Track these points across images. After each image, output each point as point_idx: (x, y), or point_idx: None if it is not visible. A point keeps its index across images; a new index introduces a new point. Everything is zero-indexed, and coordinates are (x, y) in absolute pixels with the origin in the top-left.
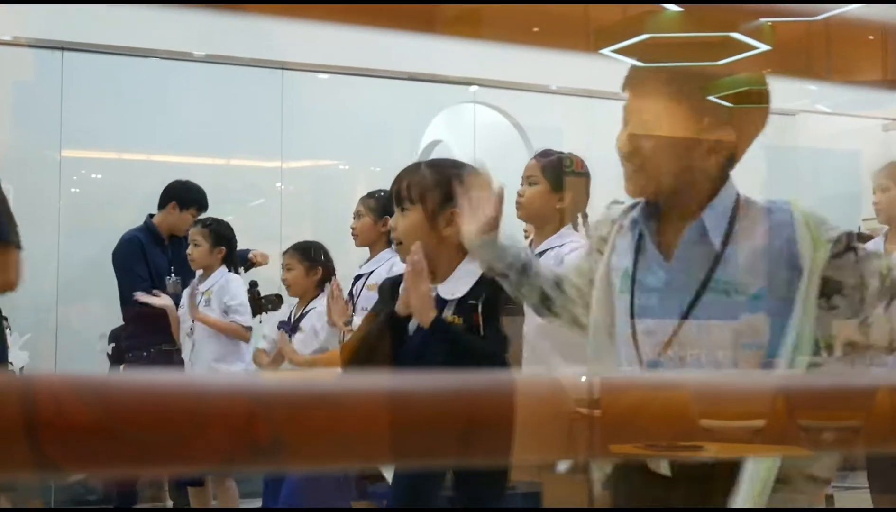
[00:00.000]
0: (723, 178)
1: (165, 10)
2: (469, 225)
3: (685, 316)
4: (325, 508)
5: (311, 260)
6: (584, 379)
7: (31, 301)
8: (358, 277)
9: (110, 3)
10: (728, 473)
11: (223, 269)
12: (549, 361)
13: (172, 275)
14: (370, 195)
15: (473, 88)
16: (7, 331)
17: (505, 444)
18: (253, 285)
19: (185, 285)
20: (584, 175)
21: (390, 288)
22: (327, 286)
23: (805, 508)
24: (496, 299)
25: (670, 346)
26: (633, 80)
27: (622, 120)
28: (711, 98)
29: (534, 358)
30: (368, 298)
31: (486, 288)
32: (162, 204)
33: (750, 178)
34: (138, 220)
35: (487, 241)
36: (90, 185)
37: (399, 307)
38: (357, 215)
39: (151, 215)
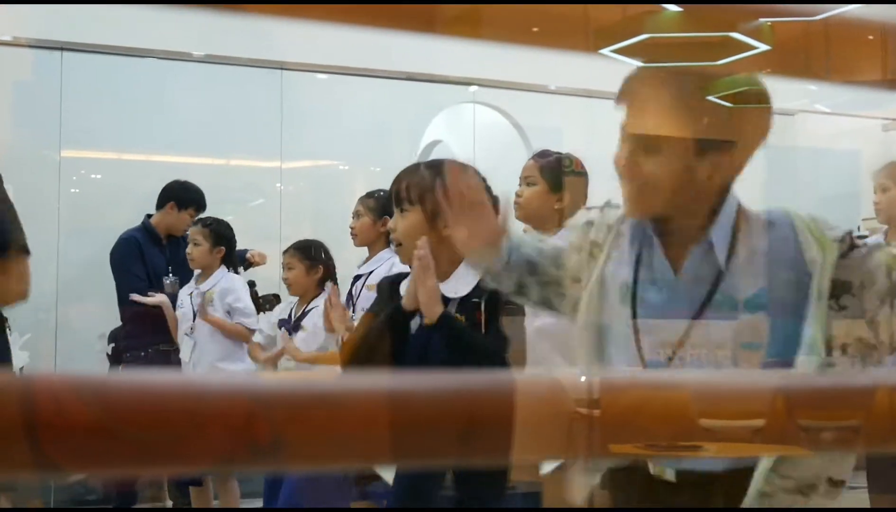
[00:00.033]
0: (726, 191)
1: (164, 10)
2: (470, 240)
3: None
4: (325, 508)
5: (312, 259)
6: (583, 379)
7: (30, 301)
8: (357, 278)
9: (110, 3)
10: (732, 480)
11: (223, 269)
12: (550, 362)
13: (170, 275)
14: (369, 195)
15: (473, 88)
16: (7, 331)
17: (505, 444)
18: (251, 285)
19: (182, 285)
20: (582, 175)
21: (389, 287)
22: (328, 286)
23: (805, 508)
24: (498, 298)
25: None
26: (629, 95)
27: (619, 138)
28: (713, 113)
29: (534, 358)
30: (368, 299)
31: (489, 287)
32: (160, 204)
33: (749, 178)
34: (138, 220)
35: (490, 253)
36: (89, 185)
37: (406, 302)
38: (356, 215)
39: (149, 215)
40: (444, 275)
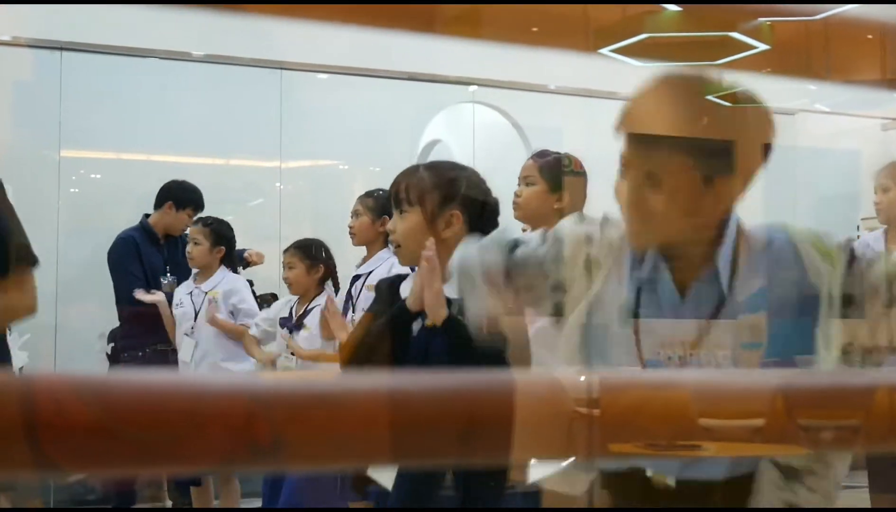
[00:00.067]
0: (729, 214)
1: (164, 10)
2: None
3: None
4: (325, 508)
5: (313, 258)
6: (583, 378)
7: None
8: (356, 278)
9: (110, 3)
10: (732, 488)
11: (223, 269)
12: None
13: (168, 274)
14: (368, 194)
15: (473, 88)
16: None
17: (505, 444)
18: (248, 285)
19: (179, 285)
20: (581, 175)
21: (388, 288)
22: (328, 285)
23: (803, 507)
24: None
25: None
26: (629, 125)
27: (620, 168)
28: (717, 141)
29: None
30: (368, 299)
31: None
32: (158, 203)
33: None
34: (138, 220)
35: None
36: (89, 185)
37: (411, 303)
38: (355, 214)
39: (147, 215)
40: (444, 276)
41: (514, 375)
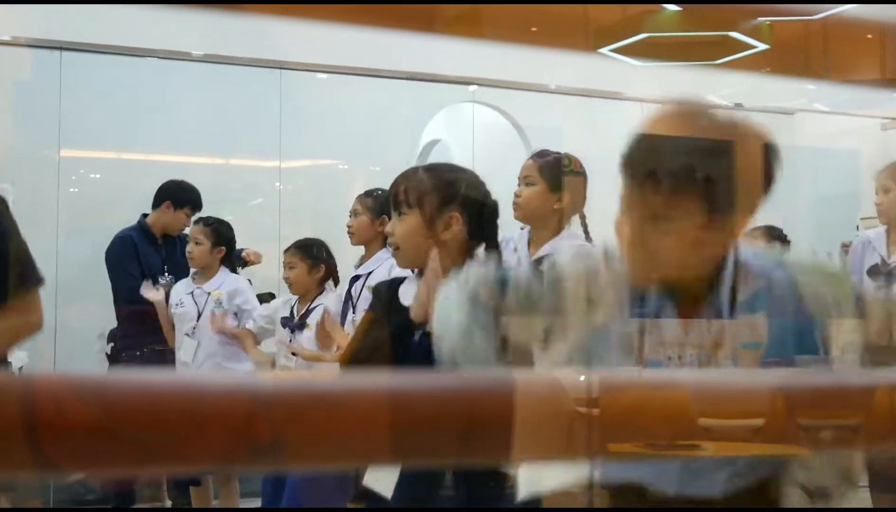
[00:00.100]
0: (729, 252)
1: (164, 10)
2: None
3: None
4: (325, 508)
5: (314, 258)
6: (583, 378)
7: None
8: (356, 278)
9: (110, 3)
10: (733, 504)
11: (224, 269)
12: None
13: (166, 274)
14: (367, 194)
15: (472, 88)
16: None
17: (505, 444)
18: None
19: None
20: (581, 175)
21: (387, 291)
22: (328, 285)
23: (803, 507)
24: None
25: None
26: (631, 166)
27: (620, 205)
28: (720, 179)
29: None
30: (369, 300)
31: None
32: (156, 203)
33: None
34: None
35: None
36: (89, 184)
37: (415, 314)
38: (354, 214)
39: (145, 215)
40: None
41: (514, 375)
